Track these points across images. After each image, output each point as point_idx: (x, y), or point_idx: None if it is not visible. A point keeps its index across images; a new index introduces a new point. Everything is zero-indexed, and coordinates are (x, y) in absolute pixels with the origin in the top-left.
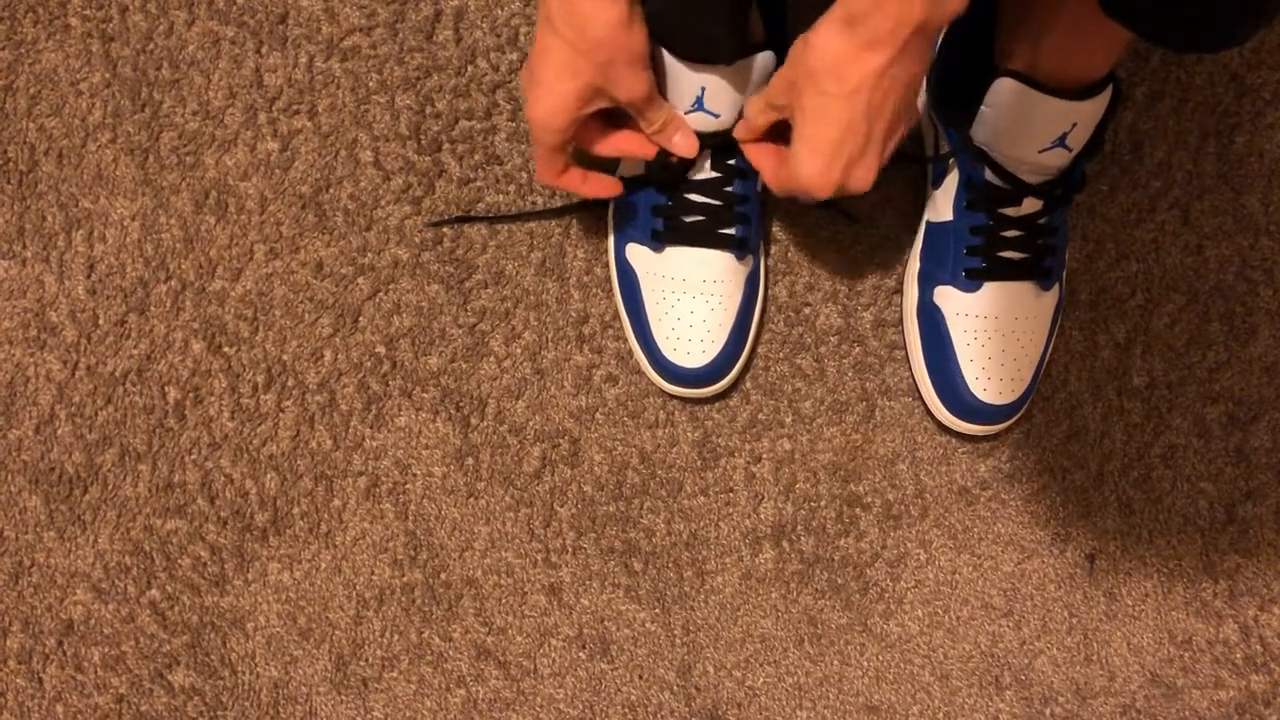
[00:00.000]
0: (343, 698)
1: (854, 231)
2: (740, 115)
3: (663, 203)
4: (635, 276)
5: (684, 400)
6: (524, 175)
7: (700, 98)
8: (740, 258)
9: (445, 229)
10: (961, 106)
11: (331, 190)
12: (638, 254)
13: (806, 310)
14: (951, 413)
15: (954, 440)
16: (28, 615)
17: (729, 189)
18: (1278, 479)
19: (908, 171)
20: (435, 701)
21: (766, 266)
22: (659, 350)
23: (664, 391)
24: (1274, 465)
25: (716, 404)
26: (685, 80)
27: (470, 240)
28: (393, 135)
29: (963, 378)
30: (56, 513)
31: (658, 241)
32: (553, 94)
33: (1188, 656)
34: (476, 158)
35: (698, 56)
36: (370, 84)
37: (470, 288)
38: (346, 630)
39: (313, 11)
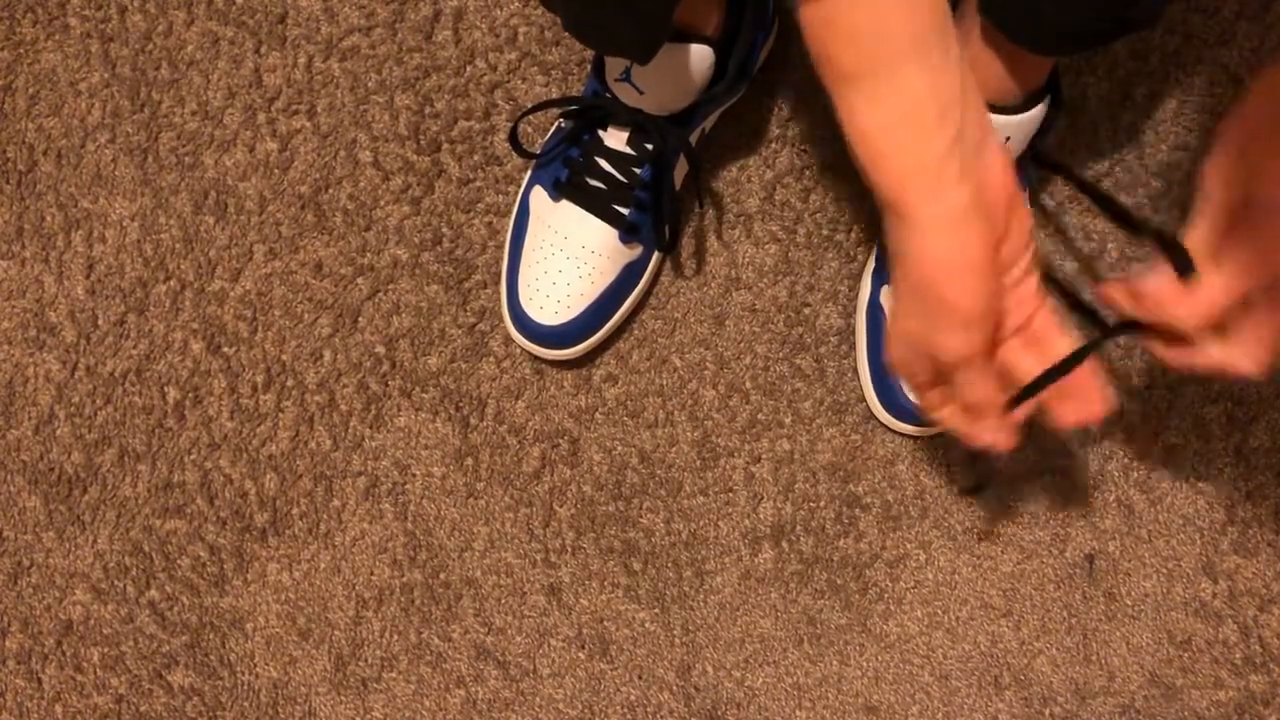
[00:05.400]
0: (342, 698)
1: (853, 233)
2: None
3: (575, 157)
4: (527, 219)
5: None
6: (523, 176)
7: (628, 69)
8: (626, 240)
9: (444, 229)
10: None
11: (331, 190)
12: (538, 197)
13: (806, 310)
14: (886, 411)
15: (954, 439)
16: (27, 615)
17: (637, 169)
18: (1277, 479)
19: None
20: (434, 702)
21: (659, 268)
22: (519, 298)
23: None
24: (1274, 465)
25: (716, 404)
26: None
27: (470, 240)
28: (392, 135)
29: (899, 379)
30: (55, 513)
31: (557, 190)
32: (966, 260)
33: (1187, 657)
34: (476, 158)
35: (611, 53)
36: (369, 84)
37: (470, 288)
38: (346, 630)
39: (312, 11)
